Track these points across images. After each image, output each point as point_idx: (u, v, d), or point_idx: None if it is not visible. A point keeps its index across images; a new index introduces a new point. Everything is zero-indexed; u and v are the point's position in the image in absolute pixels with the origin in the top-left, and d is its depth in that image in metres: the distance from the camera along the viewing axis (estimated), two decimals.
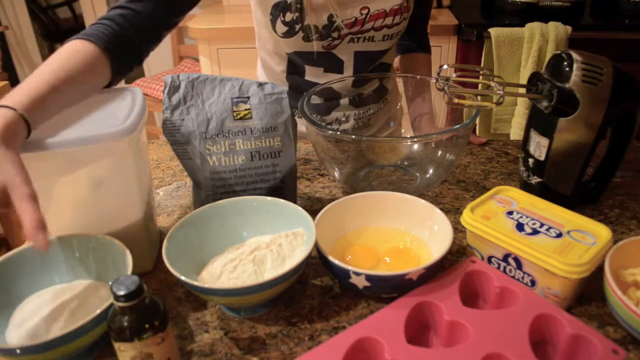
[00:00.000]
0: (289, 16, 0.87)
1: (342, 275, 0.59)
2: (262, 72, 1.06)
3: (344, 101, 0.99)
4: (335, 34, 0.90)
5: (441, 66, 0.80)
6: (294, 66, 0.97)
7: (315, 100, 0.98)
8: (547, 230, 0.61)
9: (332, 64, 0.95)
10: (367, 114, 1.01)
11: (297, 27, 0.88)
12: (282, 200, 0.68)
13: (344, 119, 1.00)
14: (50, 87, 0.60)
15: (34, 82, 0.60)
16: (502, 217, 0.64)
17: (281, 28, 0.89)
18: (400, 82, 0.99)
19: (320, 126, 0.75)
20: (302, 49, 0.92)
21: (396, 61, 1.13)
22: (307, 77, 0.97)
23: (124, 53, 0.71)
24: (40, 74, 0.61)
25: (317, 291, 0.64)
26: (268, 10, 0.89)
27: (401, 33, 0.96)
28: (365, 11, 0.89)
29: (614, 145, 0.76)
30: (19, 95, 0.57)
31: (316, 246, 0.61)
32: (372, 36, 0.92)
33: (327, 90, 0.96)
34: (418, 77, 0.94)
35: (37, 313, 0.57)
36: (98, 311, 0.51)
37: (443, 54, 1.91)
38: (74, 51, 0.65)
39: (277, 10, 0.88)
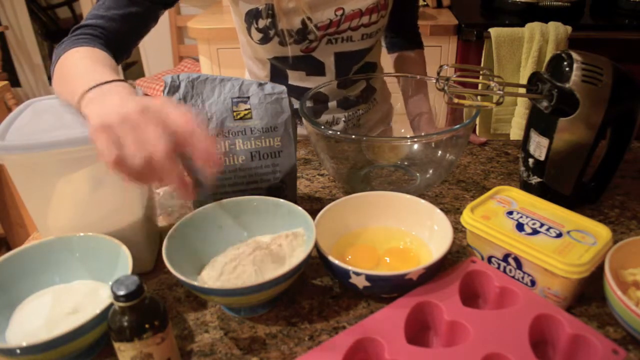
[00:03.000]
0: (261, 23, 0.87)
1: (342, 275, 0.59)
2: (248, 78, 1.06)
3: (332, 104, 0.99)
4: (311, 36, 0.89)
5: (441, 66, 0.80)
6: (277, 71, 0.96)
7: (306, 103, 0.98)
8: (547, 230, 0.61)
9: (313, 67, 0.94)
10: (357, 115, 1.01)
11: (272, 32, 0.88)
12: (282, 200, 0.68)
13: (333, 121, 1.00)
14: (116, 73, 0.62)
15: (103, 66, 0.62)
16: (502, 217, 0.64)
17: (256, 35, 0.89)
18: (392, 81, 0.99)
19: (320, 126, 0.75)
20: (280, 54, 0.91)
21: (389, 58, 1.12)
22: (290, 82, 0.97)
23: (118, 54, 0.74)
24: (101, 66, 0.63)
25: (317, 291, 0.64)
26: (242, 17, 0.89)
27: (381, 31, 0.95)
28: (340, 12, 0.87)
29: (614, 145, 0.76)
30: (106, 73, 0.59)
31: (316, 246, 0.61)
32: (350, 36, 0.91)
33: (316, 94, 0.95)
34: (418, 77, 0.94)
35: (37, 313, 0.57)
36: (98, 311, 0.51)
37: (443, 54, 1.91)
38: (92, 51, 0.68)
39: (250, 18, 0.87)
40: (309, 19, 0.86)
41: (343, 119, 1.00)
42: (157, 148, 0.47)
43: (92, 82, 0.57)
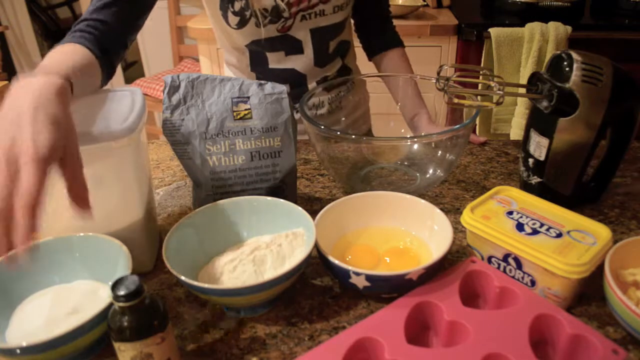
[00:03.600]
0: (237, 5, 0.88)
1: (342, 275, 0.59)
2: (230, 73, 1.06)
3: (313, 86, 1.00)
4: (285, 14, 0.90)
5: (441, 66, 0.80)
6: (256, 57, 0.97)
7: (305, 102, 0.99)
8: (547, 230, 0.61)
9: (291, 46, 0.95)
10: (339, 97, 1.02)
11: (247, 14, 0.89)
12: (282, 200, 0.68)
13: (319, 104, 1.01)
14: (72, 70, 0.59)
15: (57, 62, 0.60)
16: (502, 217, 0.64)
17: (233, 19, 0.90)
18: (375, 80, 0.99)
19: (321, 126, 0.75)
20: (257, 36, 0.93)
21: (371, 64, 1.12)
22: (271, 65, 0.98)
23: (107, 56, 0.73)
24: (57, 61, 0.61)
25: (317, 291, 0.64)
26: (217, 5, 0.90)
27: (351, 3, 0.97)
28: None
29: (614, 145, 0.76)
30: (55, 68, 0.57)
31: (316, 246, 0.61)
32: (322, 10, 0.93)
33: (292, 72, 0.97)
34: (418, 77, 0.94)
35: (37, 313, 0.57)
36: (98, 311, 0.51)
37: (443, 54, 1.91)
38: (74, 48, 0.67)
39: (225, 3, 0.89)
40: None
41: (327, 101, 1.01)
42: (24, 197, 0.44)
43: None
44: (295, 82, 0.99)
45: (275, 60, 0.97)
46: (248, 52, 0.97)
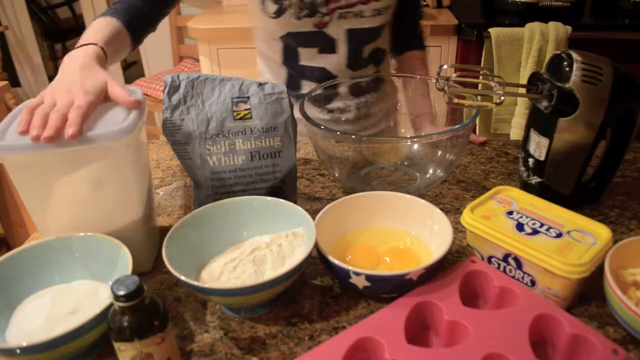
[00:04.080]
0: None
1: (342, 275, 0.59)
2: (262, 66, 1.07)
3: (343, 90, 0.99)
4: (323, 9, 0.90)
5: (441, 66, 0.80)
6: (289, 51, 0.97)
7: (316, 90, 0.99)
8: (547, 230, 0.61)
9: (325, 43, 0.95)
10: (367, 103, 1.02)
11: (286, 3, 0.89)
12: (282, 200, 0.68)
13: (345, 108, 1.00)
14: (109, 35, 0.75)
15: (96, 30, 0.75)
16: (502, 217, 0.64)
17: (271, 7, 0.91)
18: (399, 80, 0.99)
19: (321, 126, 0.75)
20: (293, 29, 0.93)
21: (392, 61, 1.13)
22: (302, 62, 0.98)
23: (138, 26, 0.84)
24: (95, 28, 0.76)
25: (317, 291, 0.64)
26: None
27: (392, 9, 0.97)
28: None
29: (614, 145, 0.76)
30: (92, 38, 0.72)
31: (316, 246, 0.61)
32: (361, 11, 0.93)
33: (322, 71, 0.96)
34: (418, 77, 0.94)
35: (37, 313, 0.57)
36: (98, 311, 0.51)
37: (443, 54, 1.91)
38: (106, 22, 0.78)
39: None
40: None
41: (354, 106, 1.00)
42: (48, 132, 0.57)
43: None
44: (325, 80, 0.98)
45: (308, 57, 0.97)
46: (282, 45, 0.97)
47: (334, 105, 1.00)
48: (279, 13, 0.91)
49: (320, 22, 0.92)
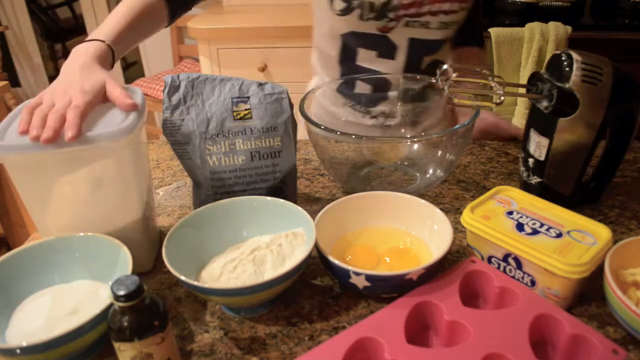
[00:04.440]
0: None
1: (342, 275, 0.59)
2: (315, 60, 1.06)
3: (393, 94, 0.98)
4: (391, 14, 0.89)
5: (441, 66, 0.80)
6: (347, 50, 0.96)
7: (363, 89, 0.98)
8: (547, 230, 0.61)
9: (386, 49, 0.94)
10: (416, 111, 1.00)
11: (355, 3, 0.88)
12: (282, 200, 0.68)
13: (389, 113, 0.99)
14: (127, 24, 0.76)
15: (114, 20, 0.76)
16: (502, 217, 0.64)
17: (339, 4, 0.89)
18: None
19: (320, 126, 0.75)
20: (357, 29, 0.92)
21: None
22: (358, 62, 0.97)
23: (172, 6, 0.86)
24: (116, 15, 0.77)
25: (317, 291, 0.64)
26: None
27: (457, 25, 0.95)
28: None
29: (614, 145, 0.76)
30: (104, 31, 0.74)
31: (316, 246, 0.61)
32: (428, 22, 0.91)
33: (377, 79, 0.96)
34: (418, 77, 0.94)
35: (37, 313, 0.57)
36: (98, 311, 0.51)
37: None
38: (134, 3, 0.79)
39: None
40: None
41: (401, 112, 0.99)
42: (47, 133, 0.57)
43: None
44: (378, 86, 0.98)
45: (365, 59, 0.96)
46: (341, 42, 0.96)
47: (379, 109, 0.99)
48: (345, 11, 0.90)
49: (385, 27, 0.91)
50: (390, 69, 0.96)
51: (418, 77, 0.94)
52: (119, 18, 0.76)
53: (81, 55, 0.68)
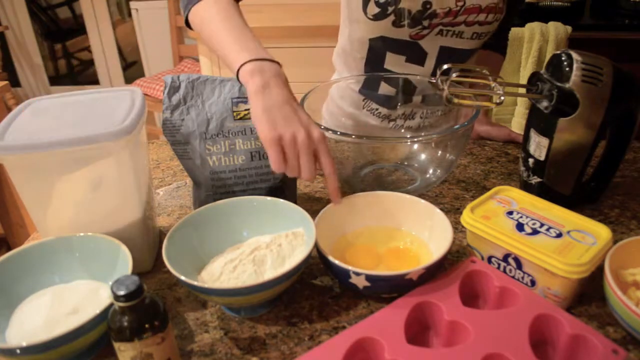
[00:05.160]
0: None
1: (342, 275, 0.59)
2: (339, 61, 1.05)
3: (417, 98, 0.97)
4: (425, 22, 0.88)
5: (441, 66, 0.80)
6: (375, 53, 0.96)
7: (387, 90, 0.97)
8: (547, 230, 0.61)
9: (416, 55, 0.94)
10: (435, 114, 0.99)
11: (390, 9, 0.87)
12: (282, 200, 0.68)
13: (410, 114, 0.99)
14: (252, 33, 0.73)
15: (247, 35, 0.72)
16: (502, 217, 0.64)
17: (373, 9, 0.88)
18: None
19: (320, 126, 0.75)
20: (389, 34, 0.91)
21: None
22: (386, 65, 0.96)
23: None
24: (240, 30, 0.73)
25: (317, 291, 0.64)
26: None
27: (489, 35, 0.95)
28: (461, 3, 0.87)
29: (614, 145, 0.76)
30: (259, 48, 0.69)
31: (316, 246, 0.61)
32: (462, 32, 0.91)
33: (403, 81, 0.95)
34: (418, 77, 0.94)
35: (37, 313, 0.57)
36: (98, 311, 0.51)
37: None
38: (227, 9, 0.76)
39: None
40: (429, 3, 0.86)
41: (420, 114, 0.98)
42: (307, 175, 0.64)
43: (247, 54, 0.67)
44: (403, 89, 0.97)
45: (393, 62, 0.95)
46: (369, 45, 0.95)
47: (399, 110, 0.98)
48: (379, 16, 0.89)
49: (417, 34, 0.90)
50: (418, 74, 0.95)
51: (433, 79, 0.93)
52: (244, 32, 0.73)
53: (281, 81, 0.67)
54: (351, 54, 1.00)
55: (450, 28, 0.90)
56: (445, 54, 0.93)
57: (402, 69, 0.95)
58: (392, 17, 0.88)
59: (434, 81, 0.79)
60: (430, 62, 0.95)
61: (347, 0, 0.95)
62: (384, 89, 0.97)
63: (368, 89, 0.98)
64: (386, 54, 0.95)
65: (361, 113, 1.00)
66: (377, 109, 0.99)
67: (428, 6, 0.87)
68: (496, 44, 1.08)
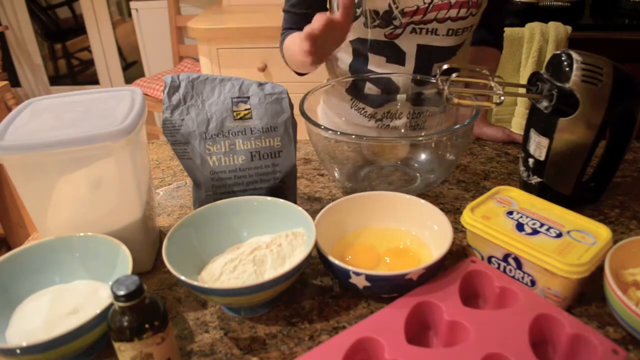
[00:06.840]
0: None
1: (342, 275, 0.59)
2: (327, 64, 1.06)
3: (402, 97, 0.97)
4: (396, 22, 0.88)
5: (441, 66, 0.80)
6: (358, 54, 0.97)
7: (371, 90, 0.97)
8: (547, 230, 0.61)
9: (394, 55, 0.94)
10: (424, 115, 0.98)
11: (358, 11, 0.88)
12: (282, 200, 0.68)
13: (396, 113, 0.99)
14: None
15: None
16: (502, 217, 0.64)
17: None
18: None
19: (320, 126, 0.75)
20: (363, 36, 0.92)
21: None
22: (370, 66, 0.97)
23: None
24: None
25: (317, 291, 0.64)
26: None
27: (469, 31, 0.94)
28: (428, 0, 0.87)
29: (614, 145, 0.76)
30: None
31: (316, 246, 0.61)
32: (435, 29, 0.90)
33: (386, 81, 0.95)
34: (418, 77, 0.94)
35: (37, 313, 0.57)
36: (98, 311, 0.51)
37: None
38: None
39: None
40: (394, 2, 0.86)
41: (407, 114, 0.98)
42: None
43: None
44: (387, 90, 0.97)
45: (376, 63, 0.96)
46: (352, 48, 0.96)
47: (385, 107, 0.98)
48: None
49: (391, 34, 0.90)
50: (399, 74, 0.95)
51: (418, 77, 0.94)
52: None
53: None
54: (340, 57, 1.01)
55: (422, 26, 0.90)
56: (424, 52, 0.93)
57: (385, 69, 0.96)
58: (361, 19, 0.89)
59: (434, 80, 0.79)
60: (410, 62, 0.95)
61: (330, 3, 0.95)
62: (369, 89, 0.98)
63: (355, 89, 0.99)
64: (368, 54, 0.95)
65: (351, 112, 1.01)
66: (363, 108, 1.00)
67: (395, 5, 0.87)
68: (490, 39, 1.08)
